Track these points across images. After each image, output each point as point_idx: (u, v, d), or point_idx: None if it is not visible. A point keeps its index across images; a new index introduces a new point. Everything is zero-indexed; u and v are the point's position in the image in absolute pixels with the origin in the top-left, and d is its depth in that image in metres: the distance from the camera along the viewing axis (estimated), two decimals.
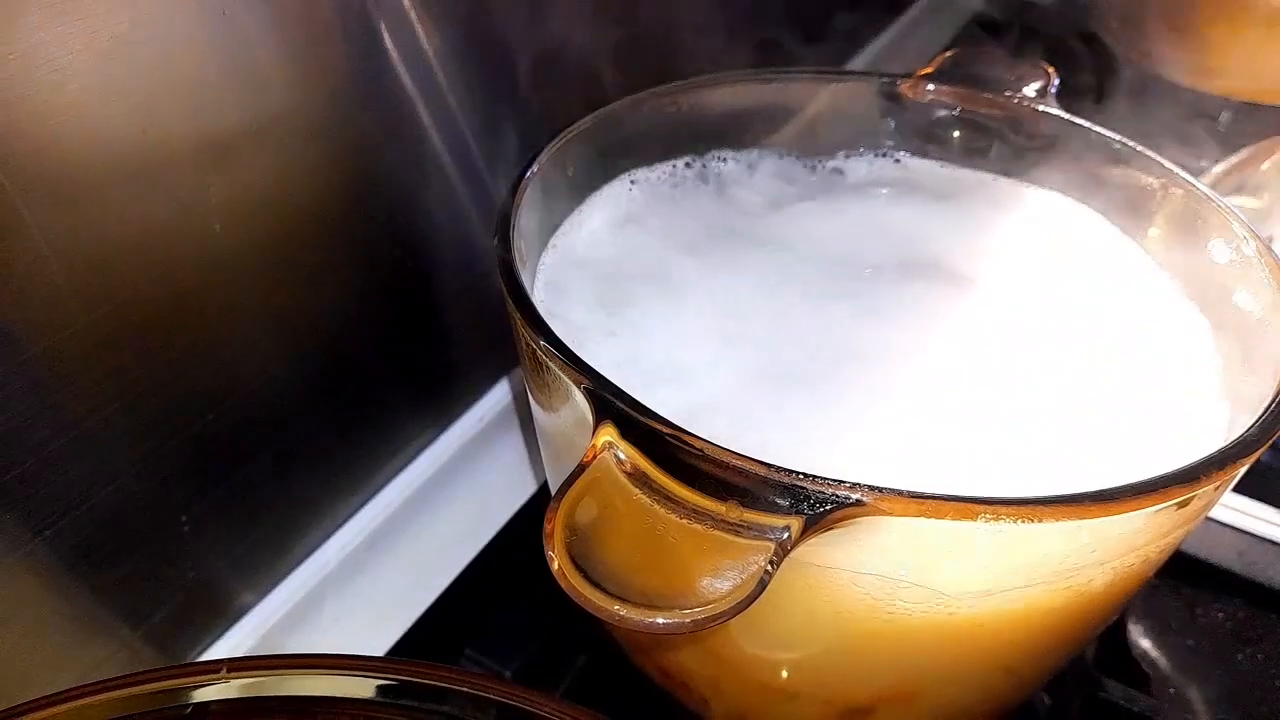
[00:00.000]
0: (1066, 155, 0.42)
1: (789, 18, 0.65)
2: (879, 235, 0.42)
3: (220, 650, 0.42)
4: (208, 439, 0.38)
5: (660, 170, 0.44)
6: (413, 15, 0.41)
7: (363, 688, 0.27)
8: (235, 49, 0.35)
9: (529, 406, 0.36)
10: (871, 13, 0.83)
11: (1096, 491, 0.25)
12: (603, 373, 0.27)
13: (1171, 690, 0.41)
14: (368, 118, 0.41)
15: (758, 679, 0.34)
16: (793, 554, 0.23)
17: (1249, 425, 0.28)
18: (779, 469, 0.24)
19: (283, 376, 0.41)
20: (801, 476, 0.24)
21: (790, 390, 0.34)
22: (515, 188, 0.35)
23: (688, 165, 0.44)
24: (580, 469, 0.25)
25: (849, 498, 0.24)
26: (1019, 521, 0.24)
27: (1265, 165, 0.38)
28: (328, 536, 0.46)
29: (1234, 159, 0.36)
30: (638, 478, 0.24)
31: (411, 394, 0.49)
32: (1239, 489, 0.47)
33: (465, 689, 0.27)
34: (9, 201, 0.29)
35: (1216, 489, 0.28)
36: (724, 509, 0.24)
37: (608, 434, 0.25)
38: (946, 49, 0.47)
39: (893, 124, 0.45)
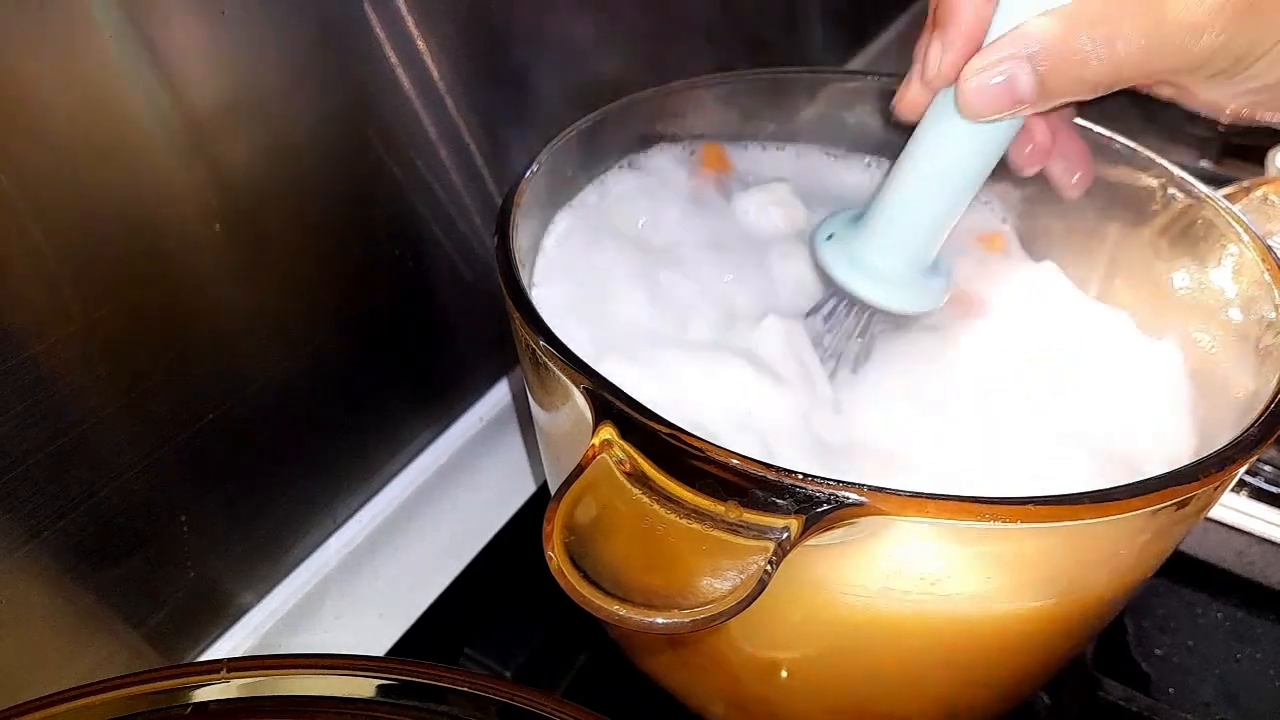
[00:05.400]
0: None
1: (789, 18, 0.65)
2: None
3: (220, 650, 0.42)
4: (208, 439, 0.38)
5: (659, 171, 0.44)
6: (410, 16, 0.41)
7: (363, 688, 0.27)
8: (234, 50, 0.35)
9: (529, 406, 0.36)
10: (872, 13, 0.83)
11: (1095, 491, 0.25)
12: (602, 373, 0.27)
13: (1171, 690, 0.41)
14: (367, 118, 0.41)
15: (757, 678, 0.34)
16: (792, 554, 0.23)
17: (1248, 425, 0.28)
18: (779, 469, 0.24)
19: (282, 377, 0.41)
20: (801, 477, 0.24)
21: (785, 392, 0.34)
22: (515, 188, 0.35)
23: (687, 163, 0.44)
24: (580, 469, 0.25)
25: (848, 498, 0.24)
26: (1018, 522, 0.24)
27: (1249, 197, 0.39)
28: (328, 536, 0.46)
29: (1221, 192, 0.37)
30: (637, 478, 0.24)
31: (411, 394, 0.49)
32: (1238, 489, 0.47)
33: (465, 689, 0.27)
34: (8, 201, 0.29)
35: (1215, 489, 0.28)
36: (723, 509, 0.24)
37: (607, 434, 0.25)
38: None
39: (892, 124, 0.45)
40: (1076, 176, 0.35)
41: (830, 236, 0.35)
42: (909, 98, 0.33)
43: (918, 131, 0.32)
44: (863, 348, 0.36)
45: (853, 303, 0.35)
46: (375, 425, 0.47)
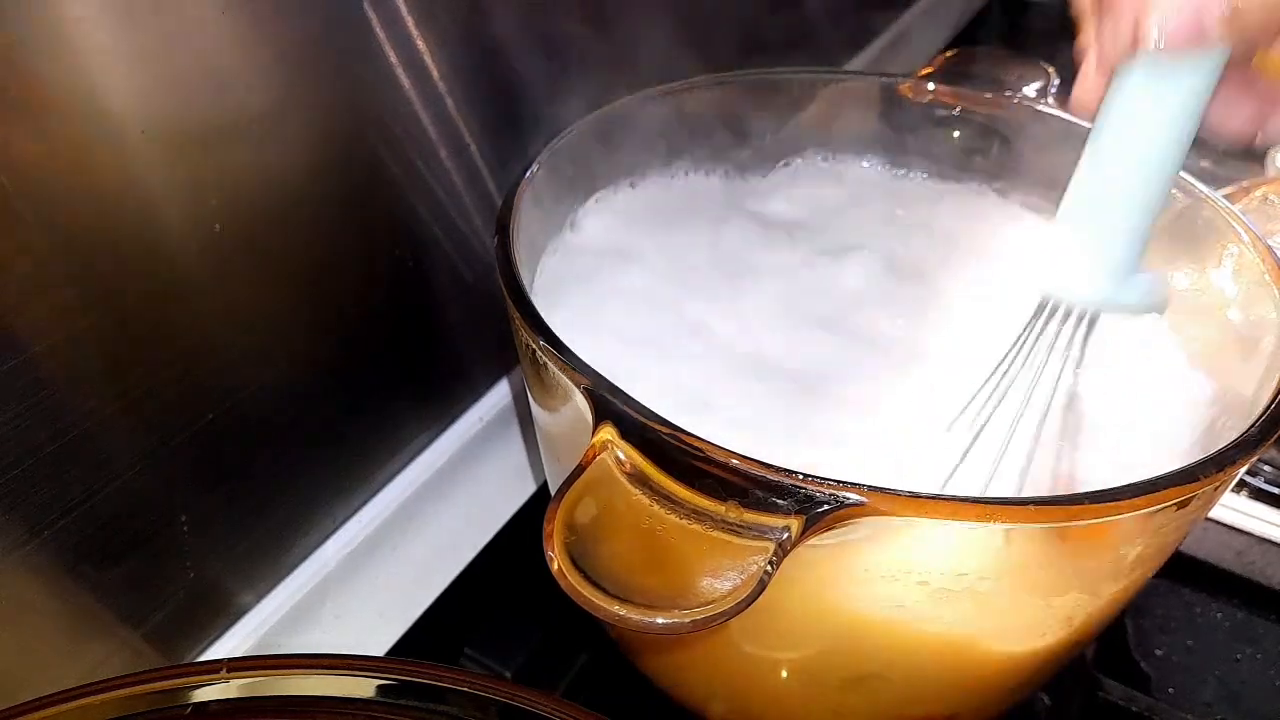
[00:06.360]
0: (1067, 156, 0.42)
1: (790, 18, 0.65)
2: (871, 246, 0.42)
3: (220, 650, 0.42)
4: (208, 439, 0.38)
5: (660, 171, 0.44)
6: (410, 16, 0.41)
7: (363, 688, 0.27)
8: (234, 49, 0.35)
9: (529, 406, 0.36)
10: (871, 13, 0.83)
11: (1096, 492, 0.25)
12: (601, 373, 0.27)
13: (1171, 690, 0.41)
14: (367, 118, 0.41)
15: (757, 679, 0.34)
16: (792, 554, 0.23)
17: (1248, 426, 0.28)
18: (779, 469, 0.24)
19: (283, 377, 0.41)
20: (801, 477, 0.24)
21: (787, 397, 0.34)
22: (515, 188, 0.35)
23: (688, 168, 0.45)
24: (580, 469, 0.25)
25: (848, 498, 0.24)
26: (1018, 522, 0.24)
27: (1249, 197, 0.39)
28: (328, 536, 0.46)
29: (1221, 192, 0.36)
30: (637, 478, 0.24)
31: (411, 394, 0.49)
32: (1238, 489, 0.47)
33: (465, 689, 0.27)
34: (9, 201, 0.29)
35: (1216, 489, 0.28)
36: (724, 509, 0.24)
37: (607, 434, 0.25)
38: (946, 49, 0.47)
39: (892, 124, 0.45)
40: None
41: (1036, 252, 0.33)
42: (1086, 88, 0.32)
43: (1102, 116, 0.31)
44: (1078, 359, 0.33)
45: (1069, 314, 0.32)
46: (375, 425, 0.47)
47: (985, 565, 0.27)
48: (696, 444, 0.25)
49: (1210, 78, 0.29)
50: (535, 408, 0.35)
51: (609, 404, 0.26)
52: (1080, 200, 0.32)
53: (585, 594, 0.23)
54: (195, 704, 0.27)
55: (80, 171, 0.31)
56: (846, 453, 0.33)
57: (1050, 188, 0.42)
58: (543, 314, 0.30)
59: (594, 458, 0.25)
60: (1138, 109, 0.30)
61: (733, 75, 0.43)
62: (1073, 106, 0.33)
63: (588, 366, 0.27)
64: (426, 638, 0.43)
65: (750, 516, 0.24)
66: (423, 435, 0.50)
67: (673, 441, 0.25)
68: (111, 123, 0.32)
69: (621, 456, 0.25)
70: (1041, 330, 0.33)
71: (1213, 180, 0.38)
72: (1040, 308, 0.33)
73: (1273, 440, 0.27)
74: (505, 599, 0.44)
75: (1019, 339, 0.33)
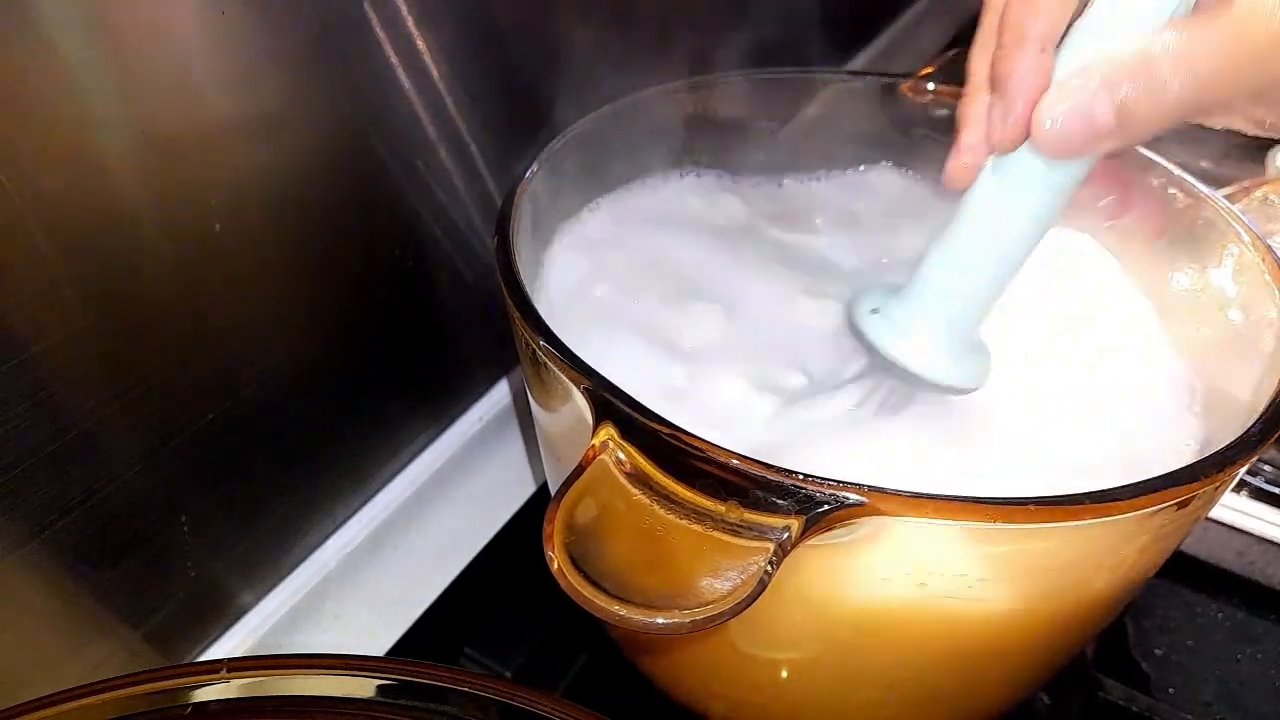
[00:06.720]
0: None
1: (790, 18, 0.65)
2: (869, 245, 0.42)
3: (220, 650, 0.42)
4: (208, 439, 0.38)
5: (660, 172, 0.44)
6: (410, 16, 0.41)
7: (363, 688, 0.27)
8: (234, 50, 0.35)
9: (529, 406, 0.36)
10: (871, 13, 0.83)
11: (1096, 492, 0.25)
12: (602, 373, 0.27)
13: (1171, 690, 0.41)
14: (366, 118, 0.41)
15: (757, 679, 0.34)
16: (792, 554, 0.23)
17: (1248, 426, 0.28)
18: (779, 469, 0.24)
19: (282, 377, 0.41)
20: (801, 477, 0.24)
21: (785, 399, 0.34)
22: (515, 188, 0.35)
23: (688, 167, 0.44)
24: (580, 469, 0.25)
25: (848, 498, 0.24)
26: (1018, 522, 0.24)
27: (1249, 197, 0.39)
28: (328, 536, 0.46)
29: (1221, 192, 0.36)
30: (637, 478, 0.24)
31: (411, 394, 0.49)
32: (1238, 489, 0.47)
33: (465, 689, 0.27)
34: (9, 201, 0.29)
35: (1216, 489, 0.28)
36: (724, 509, 0.24)
37: (607, 434, 0.25)
38: (946, 49, 0.47)
39: (893, 124, 0.45)
40: (1152, 228, 0.33)
41: (874, 307, 0.33)
42: (963, 164, 0.32)
43: (971, 196, 0.31)
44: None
45: (892, 374, 0.33)
46: (375, 425, 0.47)
47: (985, 565, 0.27)
48: (696, 444, 0.25)
49: (1088, 168, 0.29)
50: (535, 408, 0.35)
51: (609, 404, 0.26)
52: (932, 277, 0.32)
53: (585, 594, 0.23)
54: (195, 704, 0.27)
55: (80, 171, 0.31)
56: (844, 452, 0.33)
57: None
58: (542, 314, 0.30)
59: (594, 458, 0.25)
60: (1010, 197, 0.30)
61: (732, 75, 0.43)
62: (946, 181, 0.33)
63: (588, 366, 0.27)
64: (426, 638, 0.43)
65: (750, 516, 0.24)
66: (423, 435, 0.50)
67: (673, 441, 0.25)
68: (111, 123, 0.32)
69: (621, 457, 0.25)
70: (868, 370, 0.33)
71: (1213, 180, 0.38)
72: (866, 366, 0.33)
73: (1273, 440, 0.27)
74: (505, 599, 0.44)
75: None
